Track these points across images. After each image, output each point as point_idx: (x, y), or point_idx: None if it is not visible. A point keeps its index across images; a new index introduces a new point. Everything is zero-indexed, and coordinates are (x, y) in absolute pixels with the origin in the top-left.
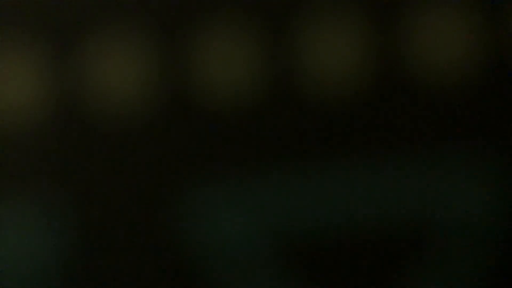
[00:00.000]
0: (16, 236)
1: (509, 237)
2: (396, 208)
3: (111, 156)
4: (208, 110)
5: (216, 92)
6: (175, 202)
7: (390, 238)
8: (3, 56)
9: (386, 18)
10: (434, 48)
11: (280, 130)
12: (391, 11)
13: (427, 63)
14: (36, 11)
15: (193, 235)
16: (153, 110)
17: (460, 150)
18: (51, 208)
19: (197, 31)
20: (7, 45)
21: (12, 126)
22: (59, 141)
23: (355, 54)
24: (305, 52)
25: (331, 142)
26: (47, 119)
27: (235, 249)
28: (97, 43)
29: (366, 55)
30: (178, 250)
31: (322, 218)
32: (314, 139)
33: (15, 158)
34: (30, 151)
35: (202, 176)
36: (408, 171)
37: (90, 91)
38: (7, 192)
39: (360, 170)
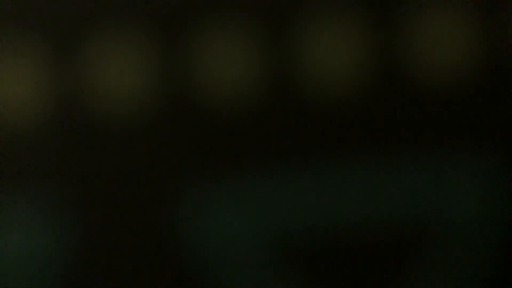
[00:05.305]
0: (16, 237)
1: (509, 237)
2: (396, 208)
3: (111, 156)
4: (209, 110)
5: (216, 92)
6: (176, 202)
7: (391, 238)
8: (3, 56)
9: (386, 18)
10: (434, 48)
11: (281, 130)
12: (391, 11)
13: (427, 63)
14: (37, 11)
15: (194, 235)
16: (153, 110)
17: (460, 150)
18: (51, 208)
19: (197, 31)
20: (7, 45)
21: (12, 126)
22: (59, 141)
23: (355, 54)
24: (306, 52)
25: (332, 142)
26: (47, 119)
27: (235, 249)
28: (97, 43)
29: (366, 55)
30: (179, 250)
31: (323, 218)
32: (315, 139)
33: (15, 158)
34: (30, 151)
35: (203, 176)
36: (408, 171)
37: (90, 91)
38: (7, 192)
39: (360, 170)
